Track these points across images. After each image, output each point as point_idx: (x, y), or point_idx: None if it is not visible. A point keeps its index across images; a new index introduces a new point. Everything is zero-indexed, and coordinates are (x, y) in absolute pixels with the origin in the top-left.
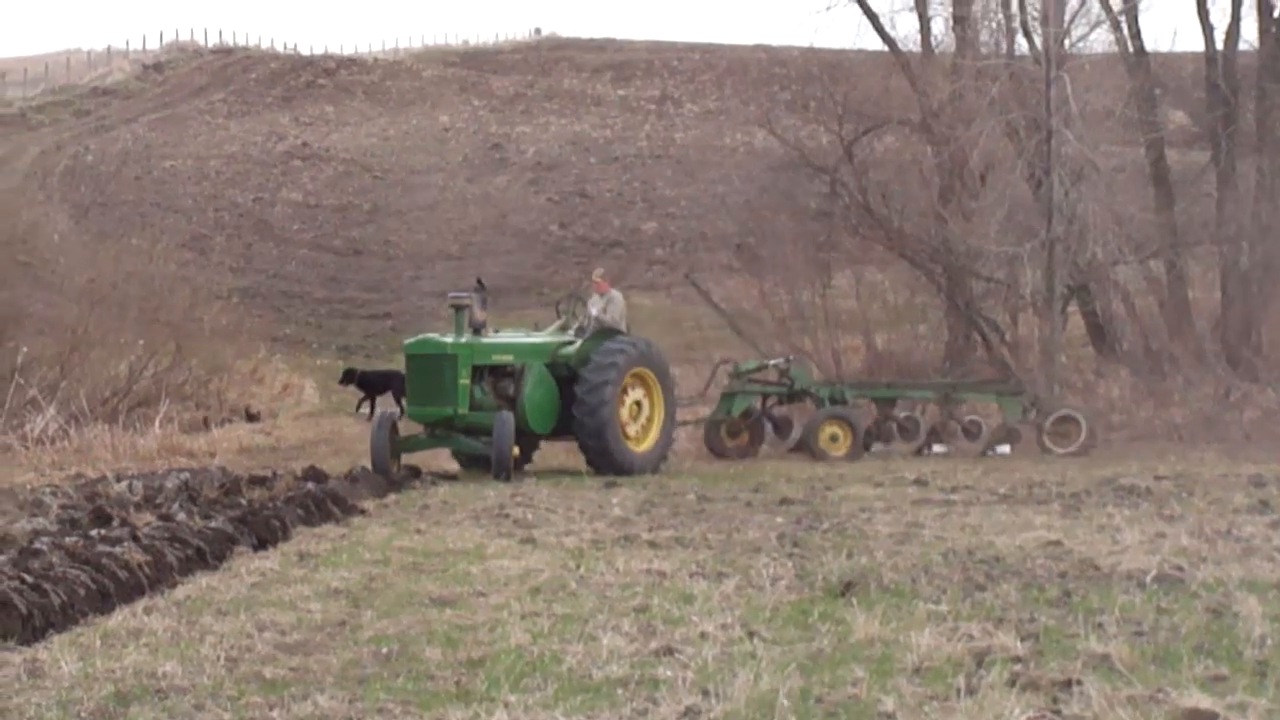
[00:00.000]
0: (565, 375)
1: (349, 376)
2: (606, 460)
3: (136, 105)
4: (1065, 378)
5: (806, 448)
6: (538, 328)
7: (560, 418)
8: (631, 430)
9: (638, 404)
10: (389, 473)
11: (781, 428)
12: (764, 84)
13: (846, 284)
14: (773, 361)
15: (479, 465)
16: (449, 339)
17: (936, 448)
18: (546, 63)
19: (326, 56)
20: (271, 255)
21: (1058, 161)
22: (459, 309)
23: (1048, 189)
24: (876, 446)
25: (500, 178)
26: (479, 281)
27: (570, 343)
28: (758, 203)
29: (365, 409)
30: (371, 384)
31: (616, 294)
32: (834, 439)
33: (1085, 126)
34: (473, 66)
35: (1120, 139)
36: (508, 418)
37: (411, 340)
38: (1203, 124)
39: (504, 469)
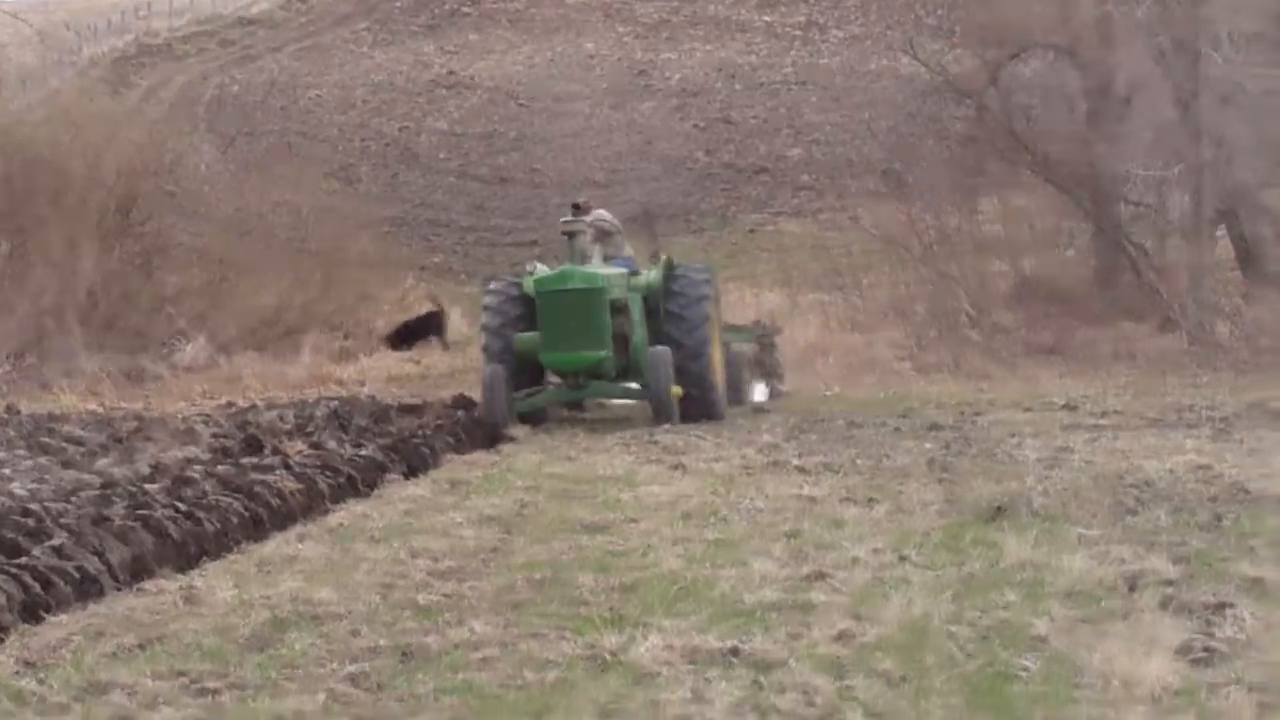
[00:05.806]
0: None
1: None
2: (708, 409)
3: (281, 35)
4: (1213, 301)
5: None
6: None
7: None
8: None
9: None
10: (505, 430)
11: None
12: (909, 8)
13: (993, 209)
14: None
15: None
16: (600, 270)
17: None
18: None
19: None
20: (418, 184)
21: (1206, 85)
22: (572, 236)
23: (1195, 112)
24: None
25: (645, 104)
26: (575, 205)
27: (636, 272)
28: (904, 128)
29: None
30: None
31: (602, 210)
32: None
33: (1234, 49)
34: None
35: (1269, 61)
36: (665, 354)
37: (548, 274)
38: None
39: (669, 411)
